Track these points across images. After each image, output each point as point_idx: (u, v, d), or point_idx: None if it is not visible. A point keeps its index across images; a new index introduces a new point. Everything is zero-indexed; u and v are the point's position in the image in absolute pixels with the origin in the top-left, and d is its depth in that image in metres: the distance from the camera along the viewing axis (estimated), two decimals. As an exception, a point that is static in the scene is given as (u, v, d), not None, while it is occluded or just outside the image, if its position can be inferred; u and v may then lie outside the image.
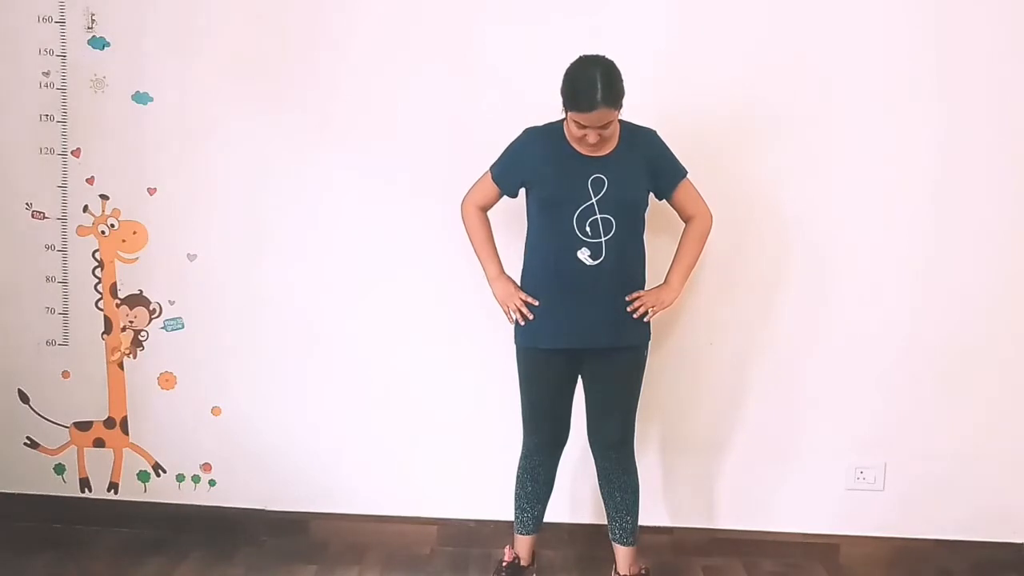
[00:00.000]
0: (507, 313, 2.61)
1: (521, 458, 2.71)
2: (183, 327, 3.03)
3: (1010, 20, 2.82)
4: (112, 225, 2.99)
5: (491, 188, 2.60)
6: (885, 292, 2.94)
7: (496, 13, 2.86)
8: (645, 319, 2.56)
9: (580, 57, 2.38)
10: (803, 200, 2.91)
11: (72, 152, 2.96)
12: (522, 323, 2.56)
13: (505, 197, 2.62)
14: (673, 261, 2.64)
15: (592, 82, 2.30)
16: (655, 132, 2.56)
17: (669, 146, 2.57)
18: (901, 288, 2.94)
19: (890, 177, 2.89)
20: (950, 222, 2.91)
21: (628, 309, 2.52)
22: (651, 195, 2.58)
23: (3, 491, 3.09)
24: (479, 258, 2.66)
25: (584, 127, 2.36)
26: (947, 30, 2.83)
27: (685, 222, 2.64)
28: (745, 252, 2.94)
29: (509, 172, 2.57)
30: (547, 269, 2.52)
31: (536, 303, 2.52)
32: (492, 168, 2.60)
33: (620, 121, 2.45)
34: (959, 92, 2.85)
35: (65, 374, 3.06)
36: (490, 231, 2.66)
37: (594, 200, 2.44)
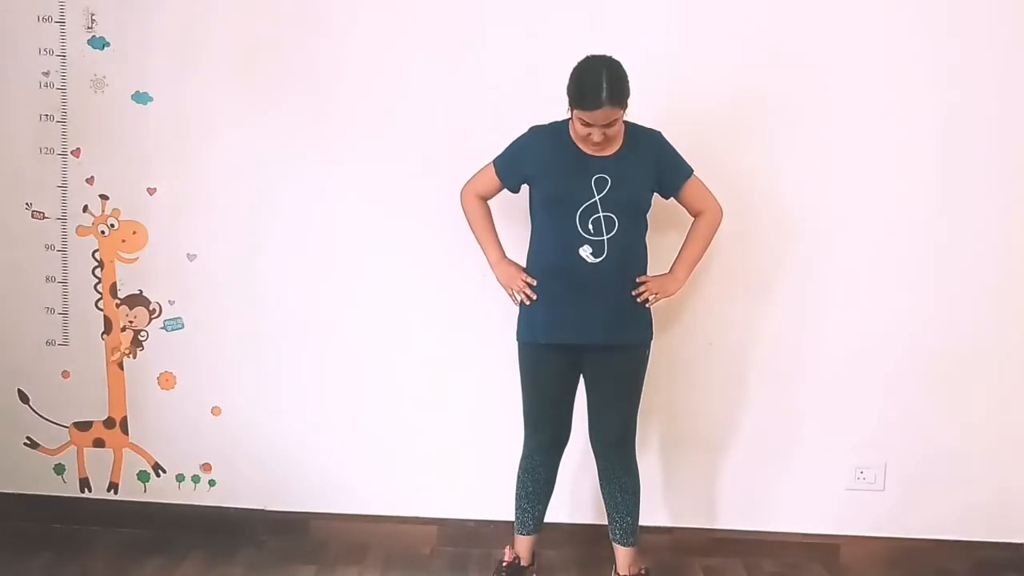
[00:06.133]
0: (511, 295, 2.62)
1: (522, 458, 2.71)
2: (183, 327, 3.03)
3: (1013, 15, 2.82)
4: (112, 225, 2.99)
5: (492, 180, 2.62)
6: (886, 292, 2.94)
7: (495, 10, 2.87)
8: (647, 305, 2.57)
9: (587, 56, 2.40)
10: (804, 200, 2.91)
11: (72, 152, 2.96)
12: (527, 303, 2.56)
13: (505, 191, 2.63)
14: (679, 252, 2.66)
15: (598, 81, 2.32)
16: (660, 133, 2.57)
17: (674, 147, 2.58)
18: (902, 288, 2.94)
19: (891, 177, 2.90)
20: (951, 222, 2.91)
21: (633, 293, 2.53)
22: (656, 195, 2.59)
23: (3, 491, 3.09)
24: (480, 244, 2.67)
25: (589, 125, 2.37)
26: (948, 25, 2.83)
27: (694, 218, 2.66)
28: (746, 252, 2.94)
29: (512, 168, 2.58)
30: (549, 265, 2.53)
31: (534, 283, 2.54)
32: (495, 161, 2.61)
33: (625, 122, 2.47)
34: (960, 90, 2.85)
35: (65, 374, 3.06)
36: (490, 217, 2.67)
37: (597, 198, 2.45)
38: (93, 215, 2.99)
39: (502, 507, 2.83)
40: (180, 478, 3.10)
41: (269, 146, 2.94)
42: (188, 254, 3.00)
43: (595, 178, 2.45)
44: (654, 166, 2.54)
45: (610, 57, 2.38)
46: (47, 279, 3.01)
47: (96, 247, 3.00)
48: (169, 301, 3.02)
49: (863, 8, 2.83)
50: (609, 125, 2.38)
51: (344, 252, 2.98)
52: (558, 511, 2.89)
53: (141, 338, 3.04)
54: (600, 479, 2.70)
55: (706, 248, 2.67)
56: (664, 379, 2.91)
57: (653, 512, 2.99)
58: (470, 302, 2.94)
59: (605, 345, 2.54)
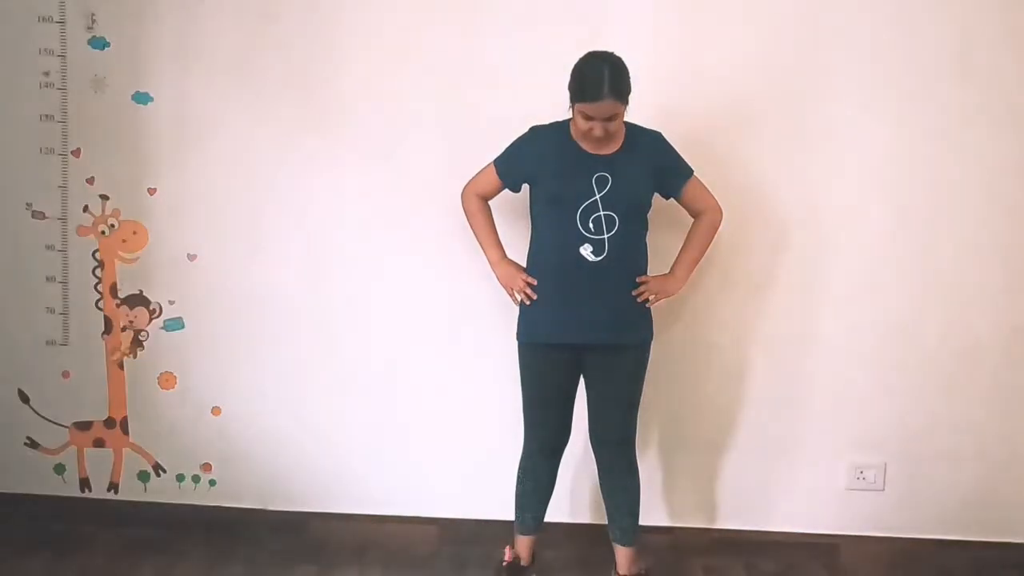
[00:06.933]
0: (511, 295, 2.62)
1: (522, 458, 2.71)
2: (183, 327, 3.03)
3: (1011, 14, 2.82)
4: (112, 225, 2.99)
5: (493, 180, 2.62)
6: (885, 292, 2.94)
7: (496, 15, 2.86)
8: (647, 305, 2.57)
9: (589, 52, 2.42)
10: (804, 200, 2.91)
11: (72, 152, 2.96)
12: (527, 303, 2.56)
13: (506, 190, 2.64)
14: (680, 253, 2.66)
15: (600, 74, 2.34)
16: (661, 134, 2.58)
17: (674, 147, 2.59)
18: (901, 288, 2.94)
19: (891, 176, 2.90)
20: (951, 222, 2.91)
21: (633, 293, 2.53)
22: (656, 196, 2.59)
23: (3, 491, 3.09)
24: (480, 244, 2.68)
25: (590, 119, 2.38)
26: (947, 25, 2.83)
27: (695, 218, 2.66)
28: (745, 251, 2.94)
29: (513, 167, 2.59)
30: (550, 264, 2.53)
31: (535, 283, 2.54)
32: (496, 161, 2.61)
33: (626, 123, 2.48)
34: (956, 90, 2.85)
35: (65, 374, 3.06)
36: (491, 217, 2.68)
37: (598, 197, 2.45)
38: (93, 215, 2.99)
39: (502, 507, 2.83)
40: (180, 478, 3.10)
41: (269, 146, 2.94)
42: (188, 254, 3.00)
43: (595, 176, 2.46)
44: (654, 166, 2.54)
45: (612, 53, 2.40)
46: (47, 279, 3.01)
47: (96, 247, 3.00)
48: (169, 301, 3.02)
49: (862, 10, 2.83)
50: (610, 120, 2.38)
51: (344, 252, 2.98)
52: (558, 511, 2.90)
53: (141, 338, 3.04)
54: (600, 479, 2.70)
55: (706, 248, 2.68)
56: (664, 379, 2.91)
57: (653, 512, 3.00)
58: (470, 302, 2.94)
59: (605, 345, 2.54)
